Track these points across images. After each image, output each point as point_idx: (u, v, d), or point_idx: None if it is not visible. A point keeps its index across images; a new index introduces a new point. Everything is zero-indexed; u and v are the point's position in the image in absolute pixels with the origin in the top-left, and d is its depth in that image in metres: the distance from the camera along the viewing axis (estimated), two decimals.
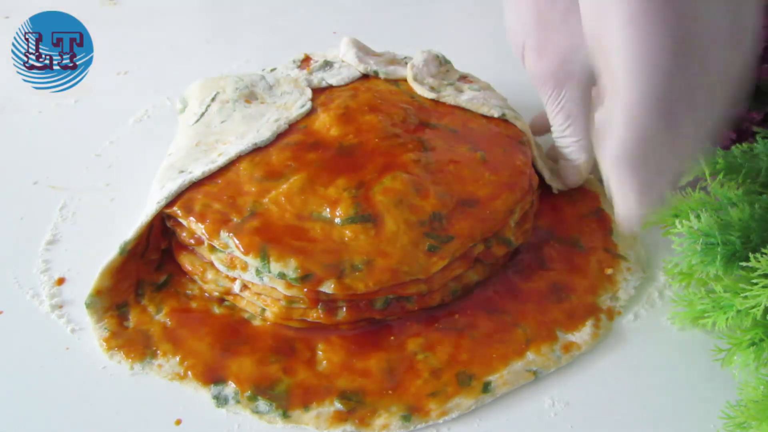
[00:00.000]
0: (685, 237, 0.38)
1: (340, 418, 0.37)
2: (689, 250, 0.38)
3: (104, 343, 0.40)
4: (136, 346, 0.40)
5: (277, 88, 0.54)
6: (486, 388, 0.38)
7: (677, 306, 0.42)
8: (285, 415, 0.37)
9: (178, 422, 0.37)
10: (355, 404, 0.37)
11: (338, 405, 0.37)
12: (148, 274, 0.44)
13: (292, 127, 0.49)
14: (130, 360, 0.39)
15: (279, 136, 0.47)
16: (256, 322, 0.42)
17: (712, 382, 0.40)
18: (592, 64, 0.33)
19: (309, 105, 0.51)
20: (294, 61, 0.58)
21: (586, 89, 0.45)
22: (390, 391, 0.38)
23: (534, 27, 0.43)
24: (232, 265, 0.40)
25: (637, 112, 0.30)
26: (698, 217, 0.38)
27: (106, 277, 0.41)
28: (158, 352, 0.40)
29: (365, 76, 0.56)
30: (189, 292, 0.43)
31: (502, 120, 0.50)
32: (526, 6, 0.44)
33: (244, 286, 0.41)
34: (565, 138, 0.48)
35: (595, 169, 0.47)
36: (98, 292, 0.41)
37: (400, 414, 0.37)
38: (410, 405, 0.37)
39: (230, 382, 0.38)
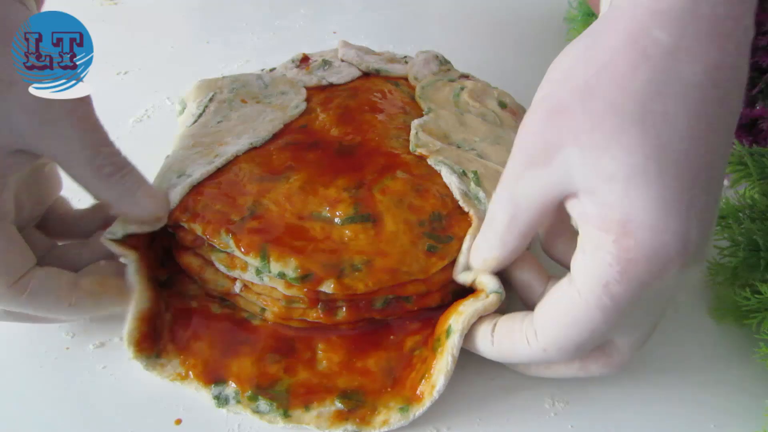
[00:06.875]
0: (728, 245, 0.38)
1: (341, 417, 0.37)
2: (732, 256, 0.38)
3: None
4: (150, 338, 0.39)
5: (272, 88, 0.54)
6: (448, 332, 0.37)
7: (720, 303, 0.43)
8: (286, 415, 0.37)
9: (178, 422, 0.37)
10: (356, 403, 0.37)
11: (339, 405, 0.37)
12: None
13: (291, 126, 0.49)
14: (139, 352, 0.39)
15: (279, 136, 0.47)
16: (257, 322, 0.41)
17: (711, 383, 0.40)
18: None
19: (303, 105, 0.51)
20: (293, 61, 0.58)
21: None
22: (389, 389, 0.38)
23: None
24: (232, 265, 0.40)
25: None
26: (740, 222, 0.38)
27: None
28: (162, 350, 0.39)
29: (365, 75, 0.56)
30: (189, 291, 0.43)
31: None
32: None
33: (245, 286, 0.41)
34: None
35: None
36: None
37: (398, 407, 0.37)
38: (407, 397, 0.37)
39: (231, 382, 0.38)
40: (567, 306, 0.32)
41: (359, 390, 0.38)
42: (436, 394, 0.36)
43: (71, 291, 0.37)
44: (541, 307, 0.34)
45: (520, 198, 0.33)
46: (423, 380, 0.37)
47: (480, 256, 0.38)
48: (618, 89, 0.29)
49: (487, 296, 0.37)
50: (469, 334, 0.37)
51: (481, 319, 0.37)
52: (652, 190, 0.28)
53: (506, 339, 0.36)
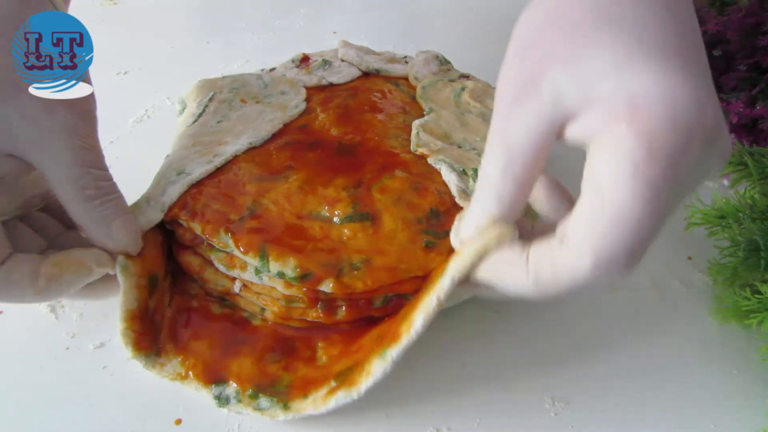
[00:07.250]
0: (728, 245, 0.37)
1: (332, 391, 0.36)
2: (732, 256, 0.37)
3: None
4: (147, 336, 0.39)
5: (272, 88, 0.54)
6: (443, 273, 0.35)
7: (721, 304, 0.42)
8: (285, 407, 0.37)
9: (178, 422, 0.37)
10: (347, 374, 0.37)
11: (333, 383, 0.37)
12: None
13: (291, 126, 0.49)
14: (138, 351, 0.38)
15: (278, 136, 0.48)
16: (257, 322, 0.41)
17: (711, 383, 0.40)
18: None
19: (303, 105, 0.51)
20: (293, 61, 0.58)
21: None
22: (376, 348, 0.36)
23: None
24: (231, 265, 0.40)
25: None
26: (740, 223, 0.38)
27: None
28: (162, 349, 0.39)
29: (365, 75, 0.56)
30: (190, 291, 0.43)
31: None
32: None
33: (244, 286, 0.41)
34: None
35: None
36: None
37: (377, 355, 0.35)
38: (387, 344, 0.36)
39: (231, 382, 0.38)
40: (603, 211, 0.28)
41: (353, 365, 0.37)
42: (413, 333, 0.34)
43: (33, 279, 0.35)
44: (574, 225, 0.29)
45: (512, 139, 0.31)
46: (403, 323, 0.35)
47: (472, 224, 0.33)
48: (580, 9, 0.30)
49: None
50: (490, 271, 0.33)
51: (506, 249, 0.32)
52: (646, 68, 0.28)
53: (546, 268, 0.30)
